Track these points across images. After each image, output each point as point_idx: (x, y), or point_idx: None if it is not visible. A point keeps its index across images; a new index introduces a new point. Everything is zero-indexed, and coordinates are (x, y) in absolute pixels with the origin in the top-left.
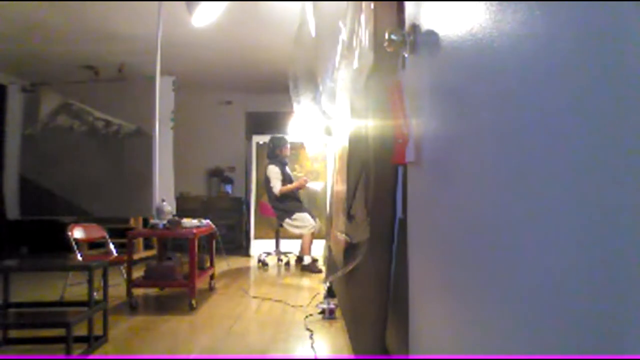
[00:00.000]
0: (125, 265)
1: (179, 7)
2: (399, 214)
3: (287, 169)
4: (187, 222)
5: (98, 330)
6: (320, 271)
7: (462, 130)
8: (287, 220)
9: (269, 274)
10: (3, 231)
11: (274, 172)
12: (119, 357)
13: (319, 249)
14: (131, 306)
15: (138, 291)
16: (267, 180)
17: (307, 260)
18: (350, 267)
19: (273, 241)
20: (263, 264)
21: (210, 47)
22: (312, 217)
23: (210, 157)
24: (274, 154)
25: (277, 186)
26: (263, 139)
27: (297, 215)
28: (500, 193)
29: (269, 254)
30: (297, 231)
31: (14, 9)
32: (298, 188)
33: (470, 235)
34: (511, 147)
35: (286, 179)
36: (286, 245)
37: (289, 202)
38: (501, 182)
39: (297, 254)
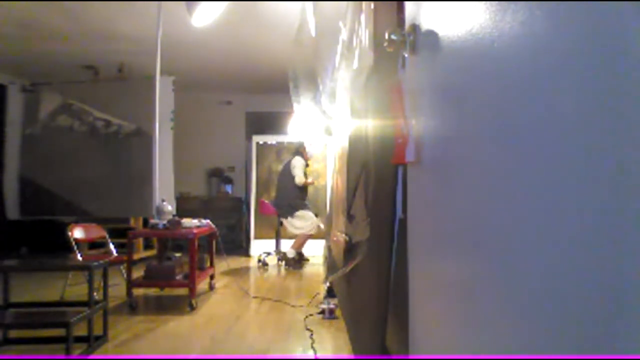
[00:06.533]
0: (125, 265)
1: (179, 7)
2: (399, 214)
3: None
4: (187, 222)
5: (98, 330)
6: (299, 268)
7: (462, 130)
8: (289, 218)
9: (269, 274)
10: (3, 231)
11: (300, 162)
12: (119, 357)
13: (319, 249)
14: (131, 306)
15: (138, 291)
16: (287, 171)
17: (291, 254)
18: (350, 266)
19: (273, 241)
20: (263, 264)
21: (210, 47)
22: (315, 214)
23: (210, 157)
24: (299, 151)
25: (301, 176)
26: (263, 139)
27: (300, 212)
28: (500, 193)
29: (269, 254)
30: (296, 231)
31: (14, 8)
32: (312, 183)
33: (470, 235)
34: (511, 147)
35: (305, 176)
36: (287, 245)
37: (296, 199)
38: (501, 182)
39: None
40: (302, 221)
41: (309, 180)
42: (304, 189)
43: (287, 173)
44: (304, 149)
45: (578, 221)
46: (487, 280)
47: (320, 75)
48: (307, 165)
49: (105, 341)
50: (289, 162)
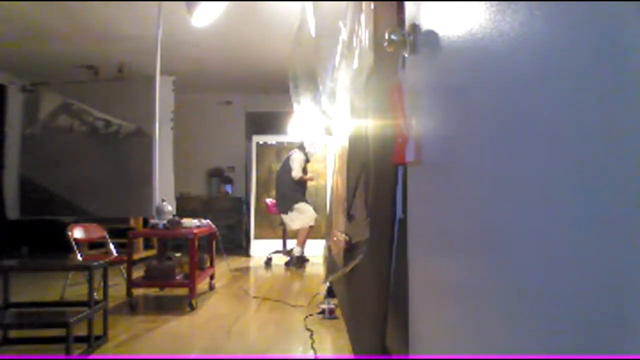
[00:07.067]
0: (125, 265)
1: (179, 7)
2: (399, 214)
3: (306, 166)
4: (187, 222)
5: (98, 330)
6: (300, 268)
7: (462, 130)
8: (288, 212)
9: (269, 274)
10: (3, 231)
11: (299, 158)
12: (119, 357)
13: (319, 249)
14: (131, 306)
15: (138, 291)
16: (287, 165)
17: (297, 251)
18: (350, 267)
19: (272, 241)
20: (266, 264)
21: (210, 47)
22: (314, 208)
23: (210, 157)
24: (302, 147)
25: (298, 170)
26: (263, 139)
27: (299, 205)
28: (500, 193)
29: (277, 252)
30: (295, 226)
31: (14, 9)
32: (308, 180)
33: (470, 235)
34: (511, 147)
35: (304, 171)
36: (292, 244)
37: (296, 193)
38: (501, 182)
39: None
40: (301, 215)
41: (307, 176)
42: (302, 184)
43: (286, 167)
44: (310, 145)
45: (578, 221)
46: (487, 280)
47: (320, 75)
48: (307, 161)
49: (105, 341)
50: (289, 157)
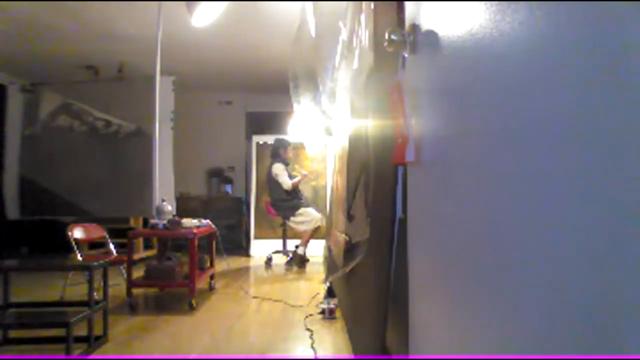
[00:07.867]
0: (125, 265)
1: (179, 7)
2: (399, 213)
3: (288, 169)
4: (187, 222)
5: (98, 330)
6: (301, 267)
7: (462, 130)
8: (292, 218)
9: (269, 274)
10: (3, 231)
11: (280, 168)
12: (119, 357)
13: (319, 249)
14: (131, 306)
15: (138, 291)
16: (272, 179)
17: (301, 250)
18: (351, 266)
19: (273, 241)
20: (267, 264)
21: (210, 47)
22: (317, 211)
23: (210, 157)
24: (277, 153)
25: (287, 180)
26: (263, 139)
27: (301, 210)
28: (500, 193)
29: (278, 252)
30: (302, 227)
31: (14, 9)
32: (301, 180)
33: (470, 235)
34: (511, 147)
35: (289, 177)
36: (293, 245)
37: (293, 200)
38: (501, 182)
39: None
40: (306, 218)
41: (297, 179)
42: (295, 188)
43: (273, 180)
44: (284, 148)
45: (579, 221)
46: (487, 280)
47: (320, 75)
48: (287, 164)
49: (105, 341)
50: (270, 171)
